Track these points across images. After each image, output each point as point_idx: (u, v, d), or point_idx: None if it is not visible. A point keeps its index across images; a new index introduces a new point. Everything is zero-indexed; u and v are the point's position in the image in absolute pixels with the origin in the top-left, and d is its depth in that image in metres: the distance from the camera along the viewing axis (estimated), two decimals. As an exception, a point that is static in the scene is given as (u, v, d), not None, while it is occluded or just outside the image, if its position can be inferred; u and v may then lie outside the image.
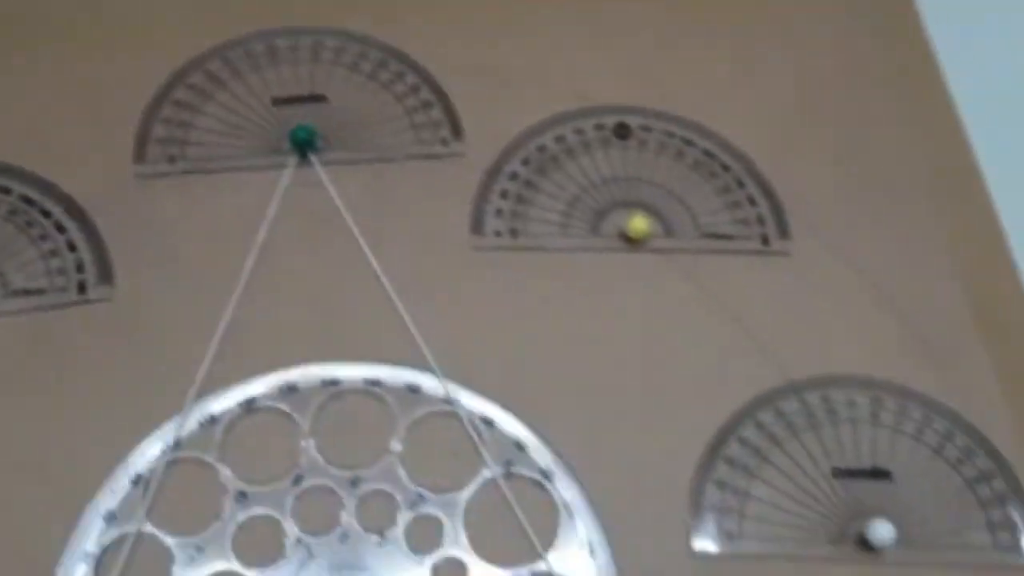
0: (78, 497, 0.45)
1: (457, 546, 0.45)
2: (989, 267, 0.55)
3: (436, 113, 0.57)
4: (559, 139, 0.57)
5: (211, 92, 0.56)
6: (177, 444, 0.46)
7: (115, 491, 0.45)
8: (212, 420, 0.47)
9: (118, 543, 0.44)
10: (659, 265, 0.54)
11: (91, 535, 0.44)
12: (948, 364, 0.52)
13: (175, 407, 0.47)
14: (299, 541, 0.45)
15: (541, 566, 0.45)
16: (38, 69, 0.57)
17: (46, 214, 0.52)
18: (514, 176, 0.55)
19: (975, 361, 0.52)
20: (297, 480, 0.46)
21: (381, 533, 0.45)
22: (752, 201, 0.56)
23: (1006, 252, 0.56)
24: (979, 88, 0.60)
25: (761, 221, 0.55)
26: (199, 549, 0.44)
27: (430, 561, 0.45)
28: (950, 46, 0.62)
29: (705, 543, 0.47)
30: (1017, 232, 0.56)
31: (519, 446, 0.48)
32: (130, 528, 0.44)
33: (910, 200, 0.57)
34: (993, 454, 0.50)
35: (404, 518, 0.46)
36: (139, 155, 0.54)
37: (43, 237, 0.51)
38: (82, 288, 0.50)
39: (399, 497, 0.46)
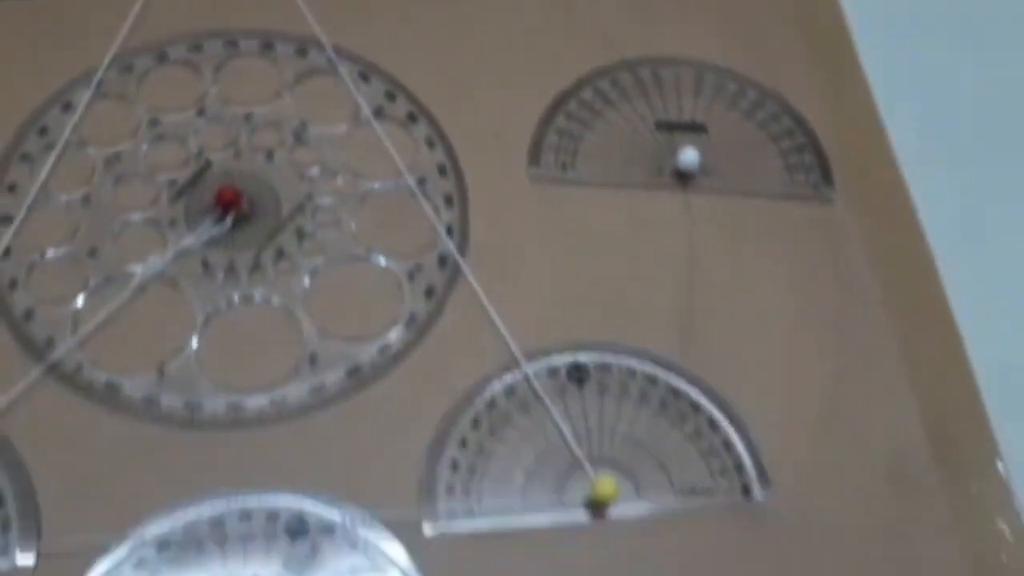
0: (15, 117, 0.54)
1: (333, 163, 0.55)
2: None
3: None
4: None
5: None
6: (99, 84, 0.56)
7: (49, 114, 0.55)
8: (129, 68, 0.57)
9: (48, 150, 0.54)
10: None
11: (27, 144, 0.54)
12: (767, 50, 0.61)
13: (99, 57, 0.56)
14: (200, 153, 0.54)
15: (405, 178, 0.55)
16: None
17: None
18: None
19: (790, 48, 0.62)
20: (200, 112, 0.56)
21: (269, 154, 0.55)
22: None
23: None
24: None
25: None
26: (117, 157, 0.54)
27: (309, 172, 0.55)
28: None
29: (542, 171, 0.56)
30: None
31: (390, 96, 0.57)
32: (59, 139, 0.54)
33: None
34: (797, 118, 0.59)
35: (287, 143, 0.55)
36: None
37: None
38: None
39: (286, 127, 0.56)
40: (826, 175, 0.57)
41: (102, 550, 0.45)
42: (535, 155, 0.56)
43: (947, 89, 0.61)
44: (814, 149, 0.58)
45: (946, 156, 0.59)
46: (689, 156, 0.56)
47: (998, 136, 0.61)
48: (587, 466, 0.48)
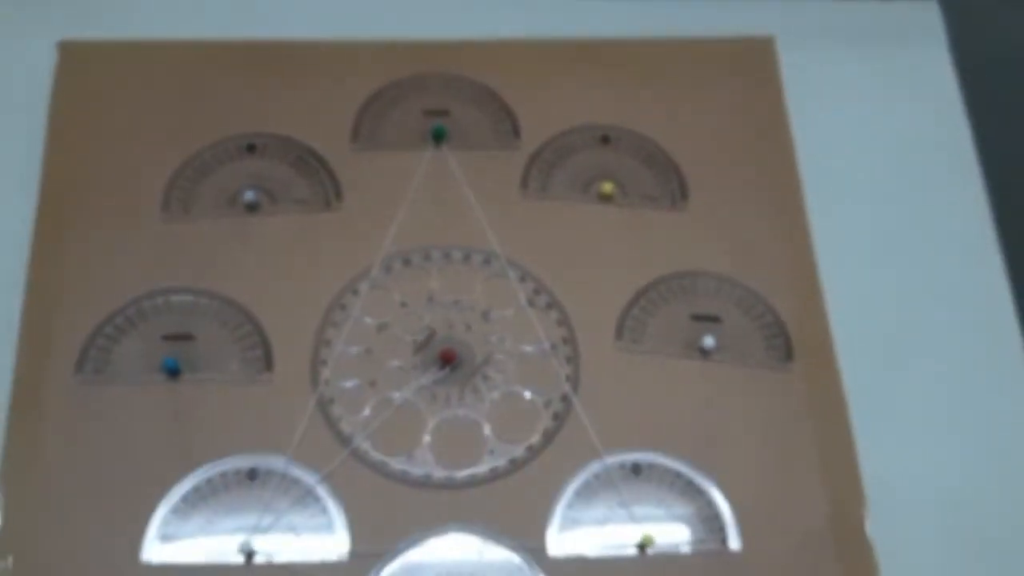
0: (327, 298, 0.96)
1: (504, 332, 0.95)
2: None
3: None
4: None
5: None
6: (372, 279, 0.97)
7: (344, 296, 0.96)
8: (389, 268, 0.97)
9: (346, 319, 0.95)
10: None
11: (333, 315, 0.95)
12: (761, 264, 1.01)
13: (370, 259, 0.97)
14: (429, 326, 0.95)
15: (544, 344, 0.95)
16: None
17: None
18: None
19: (777, 263, 1.02)
20: (429, 298, 0.96)
21: (468, 326, 0.96)
22: None
23: None
24: None
25: None
26: (384, 325, 0.95)
27: (490, 339, 0.95)
28: None
29: (623, 344, 0.97)
30: None
31: (536, 291, 0.98)
32: (351, 313, 0.95)
33: None
34: (775, 313, 0.99)
35: (478, 320, 0.96)
36: None
37: None
38: None
39: (478, 309, 0.96)
40: (789, 353, 0.97)
41: (382, 555, 0.86)
42: (620, 332, 0.97)
43: (880, 293, 1.01)
44: (784, 335, 0.98)
45: (878, 339, 0.99)
46: (709, 341, 0.96)
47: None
48: (636, 523, 0.89)
